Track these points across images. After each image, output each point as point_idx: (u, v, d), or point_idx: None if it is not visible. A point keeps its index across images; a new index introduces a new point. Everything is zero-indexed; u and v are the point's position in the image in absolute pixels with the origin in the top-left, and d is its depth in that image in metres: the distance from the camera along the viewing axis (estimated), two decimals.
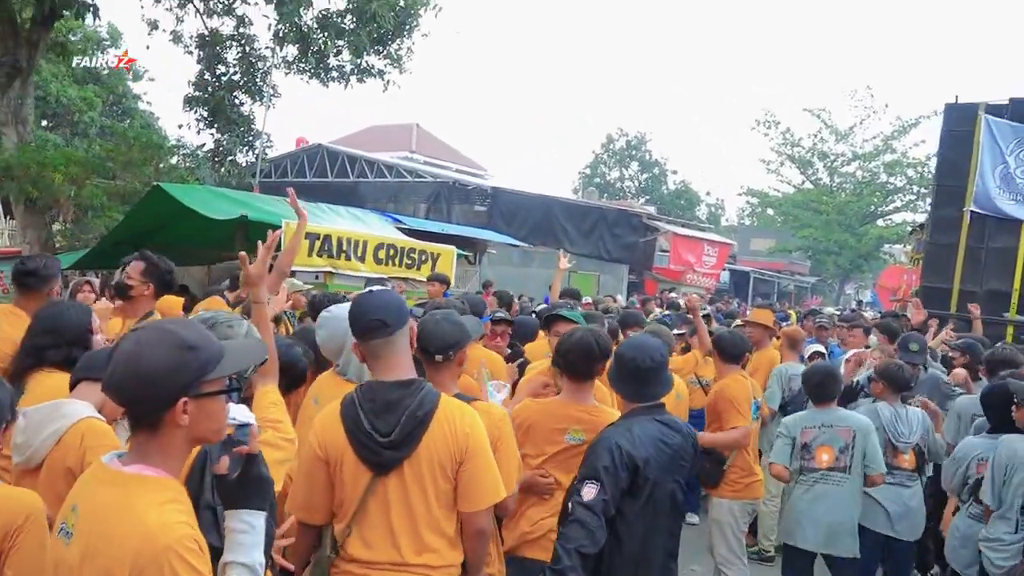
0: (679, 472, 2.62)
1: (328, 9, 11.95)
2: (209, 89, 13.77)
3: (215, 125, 13.93)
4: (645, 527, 2.50)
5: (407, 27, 12.52)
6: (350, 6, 12.37)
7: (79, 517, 1.38)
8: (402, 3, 12.26)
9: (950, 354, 5.87)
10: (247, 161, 14.64)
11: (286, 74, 13.88)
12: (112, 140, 12.78)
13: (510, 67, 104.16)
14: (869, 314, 13.67)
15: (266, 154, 14.97)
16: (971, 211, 9.61)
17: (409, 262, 8.24)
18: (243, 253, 2.45)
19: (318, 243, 7.26)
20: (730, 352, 4.25)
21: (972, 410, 4.42)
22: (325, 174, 24.38)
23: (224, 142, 13.64)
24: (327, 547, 2.17)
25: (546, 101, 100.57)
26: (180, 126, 13.98)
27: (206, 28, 13.66)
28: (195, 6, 13.41)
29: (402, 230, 10.14)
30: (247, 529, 1.51)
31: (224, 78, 13.86)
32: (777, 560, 5.04)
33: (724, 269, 24.13)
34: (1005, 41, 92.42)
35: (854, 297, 35.08)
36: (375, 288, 2.30)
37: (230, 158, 13.95)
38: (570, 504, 2.43)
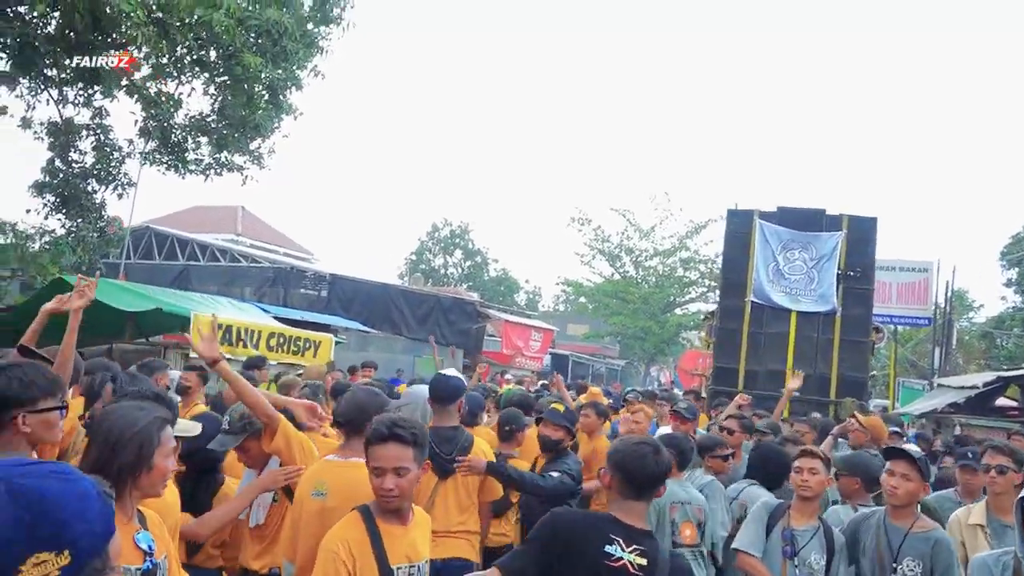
0: None
1: (202, 113, 12.65)
2: (60, 175, 13.84)
3: (64, 211, 13.94)
4: None
5: (270, 130, 13.47)
6: (216, 106, 13.16)
7: None
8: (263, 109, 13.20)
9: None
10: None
11: (142, 165, 14.24)
12: None
13: (334, 153, 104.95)
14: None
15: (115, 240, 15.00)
16: (751, 301, 11.09)
17: (295, 349, 9.13)
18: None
19: (220, 332, 8.00)
20: (603, 415, 5.78)
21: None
22: (151, 256, 23.95)
23: (77, 227, 13.66)
24: None
25: (369, 188, 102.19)
26: (28, 211, 13.76)
27: (60, 116, 13.83)
28: (50, 95, 13.60)
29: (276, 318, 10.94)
30: None
31: (77, 166, 14.00)
32: None
33: (547, 353, 26.18)
34: (776, 156, 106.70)
35: (656, 378, 38.56)
36: (447, 372, 3.73)
37: (80, 244, 13.96)
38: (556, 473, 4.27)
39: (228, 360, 8.09)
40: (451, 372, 3.89)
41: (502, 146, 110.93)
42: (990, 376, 13.58)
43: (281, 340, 8.87)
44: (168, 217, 35.36)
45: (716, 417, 7.80)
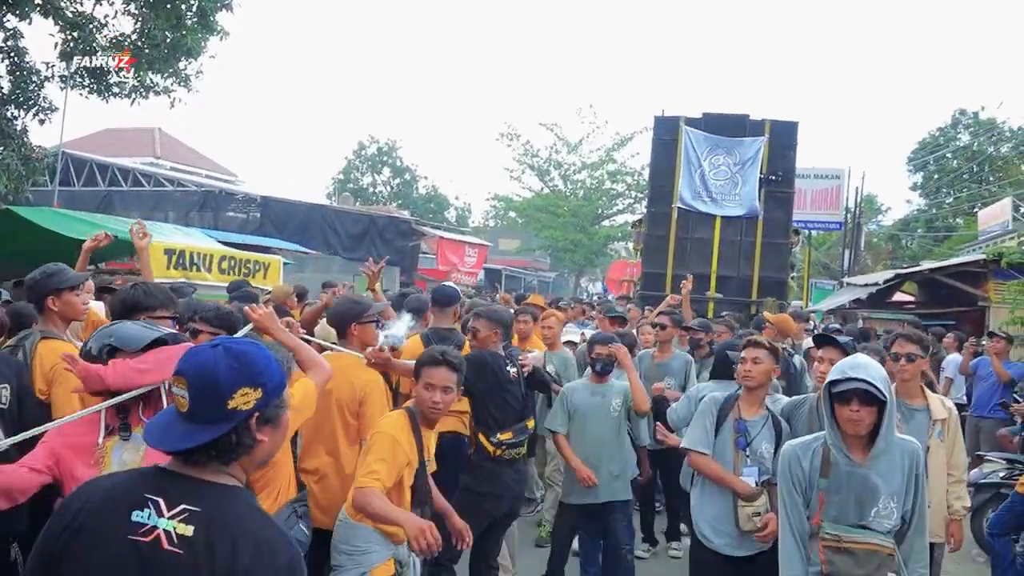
0: None
1: (125, 34, 12.32)
2: None
3: None
4: None
5: (199, 51, 13.20)
6: (139, 27, 12.80)
7: None
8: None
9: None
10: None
11: (63, 88, 13.83)
12: None
13: (254, 71, 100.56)
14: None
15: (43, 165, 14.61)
16: (678, 207, 11.31)
17: (246, 271, 9.37)
18: None
19: (174, 257, 8.23)
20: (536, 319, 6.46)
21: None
22: (69, 182, 23.18)
23: (1, 156, 13.29)
24: None
25: (292, 106, 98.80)
26: None
27: None
28: None
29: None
30: None
31: None
32: None
33: (482, 268, 26.76)
34: (696, 66, 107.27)
35: (585, 288, 39.76)
36: (447, 283, 4.31)
37: (5, 173, 13.61)
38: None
39: (183, 284, 8.39)
40: (449, 282, 4.49)
41: (428, 61, 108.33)
42: (889, 274, 14.84)
43: (232, 263, 9.10)
44: (79, 140, 33.78)
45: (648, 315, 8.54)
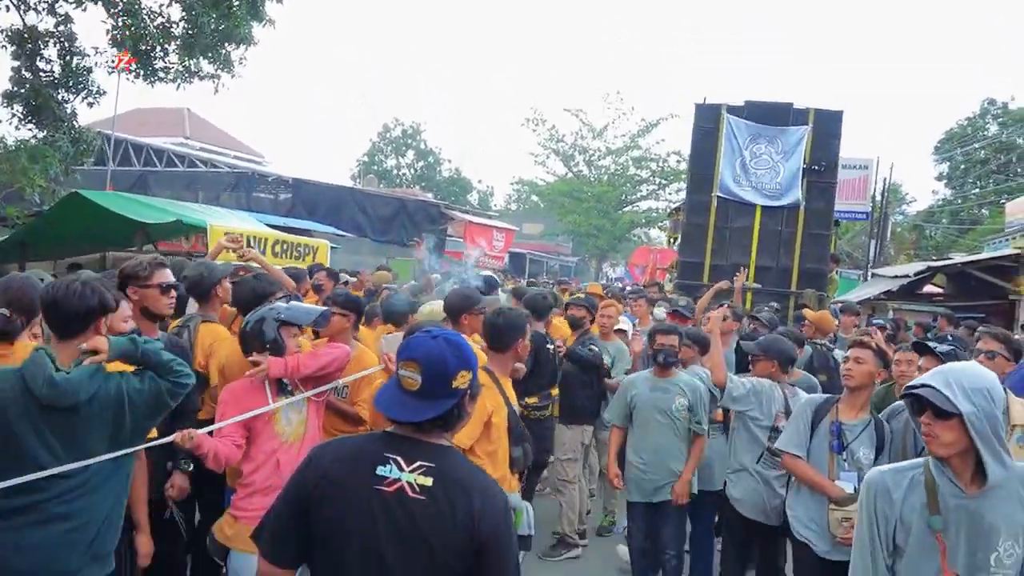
0: None
1: (171, 19, 12.61)
2: (28, 86, 13.69)
3: (34, 121, 13.87)
4: None
5: (249, 39, 13.47)
6: (188, 15, 13.08)
7: None
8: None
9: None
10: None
11: (109, 73, 14.16)
12: None
13: (279, 53, 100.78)
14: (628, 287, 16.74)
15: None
16: (717, 196, 11.06)
17: (296, 255, 9.70)
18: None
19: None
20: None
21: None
22: (102, 162, 23.64)
23: (53, 138, 13.66)
24: None
25: (317, 88, 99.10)
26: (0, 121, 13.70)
27: (23, 23, 13.57)
28: (11, 2, 13.30)
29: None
30: None
31: (45, 75, 13.84)
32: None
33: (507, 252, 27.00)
34: (721, 54, 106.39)
35: (606, 274, 39.91)
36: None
37: (57, 154, 14.00)
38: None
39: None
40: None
41: (454, 46, 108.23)
42: (920, 266, 14.95)
43: (285, 247, 9.41)
44: (108, 120, 34.24)
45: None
